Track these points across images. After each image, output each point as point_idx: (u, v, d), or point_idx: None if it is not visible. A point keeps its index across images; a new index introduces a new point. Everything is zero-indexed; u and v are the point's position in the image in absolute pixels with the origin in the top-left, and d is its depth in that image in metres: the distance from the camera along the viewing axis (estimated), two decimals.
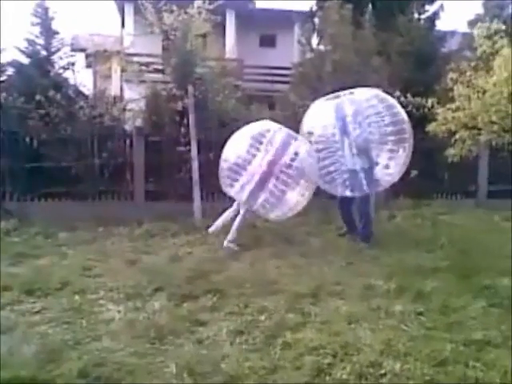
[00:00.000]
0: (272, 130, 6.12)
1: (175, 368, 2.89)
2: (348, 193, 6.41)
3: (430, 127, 8.37)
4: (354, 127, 6.21)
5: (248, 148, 6.05)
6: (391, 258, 5.46)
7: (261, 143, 6.03)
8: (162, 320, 3.63)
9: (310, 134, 6.51)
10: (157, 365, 2.98)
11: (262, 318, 3.68)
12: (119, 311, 3.86)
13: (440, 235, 6.49)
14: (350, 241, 6.38)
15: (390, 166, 6.31)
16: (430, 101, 8.58)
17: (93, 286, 4.46)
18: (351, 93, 6.41)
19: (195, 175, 7.79)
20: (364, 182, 6.24)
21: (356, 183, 6.29)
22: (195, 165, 7.79)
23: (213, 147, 8.14)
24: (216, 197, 8.02)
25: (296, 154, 6.01)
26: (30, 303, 4.03)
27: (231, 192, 6.18)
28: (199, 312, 3.81)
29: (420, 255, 5.60)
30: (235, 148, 6.16)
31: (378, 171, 6.35)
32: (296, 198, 6.06)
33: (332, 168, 6.48)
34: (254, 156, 6.01)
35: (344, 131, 6.27)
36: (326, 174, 6.48)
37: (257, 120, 9.04)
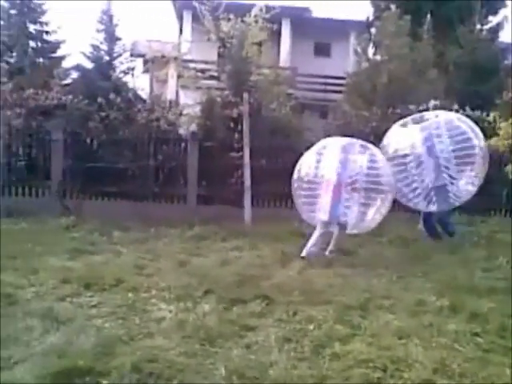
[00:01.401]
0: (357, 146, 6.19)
1: (224, 371, 2.94)
2: (432, 208, 6.85)
3: (491, 142, 8.09)
4: (440, 147, 6.68)
5: (318, 163, 6.18)
6: (444, 275, 5.28)
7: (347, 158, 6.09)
8: (211, 322, 3.69)
9: (396, 148, 6.95)
10: (206, 366, 3.03)
11: (311, 327, 3.67)
12: (170, 311, 3.94)
13: (497, 254, 6.22)
14: (400, 254, 6.24)
15: (467, 184, 6.88)
16: (491, 115, 8.31)
17: (145, 285, 4.58)
18: (436, 116, 7.03)
19: (247, 181, 7.88)
20: (441, 199, 6.73)
21: (441, 198, 6.74)
22: (247, 171, 7.88)
23: (265, 154, 8.21)
24: (266, 203, 8.08)
25: (372, 166, 6.06)
26: (87, 297, 4.20)
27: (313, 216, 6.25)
28: (248, 317, 3.85)
29: (475, 274, 5.38)
30: (307, 165, 6.28)
31: (458, 187, 6.81)
32: (374, 213, 6.06)
33: (417, 185, 6.86)
34: (325, 172, 6.10)
35: (431, 150, 6.72)
36: (412, 191, 6.86)
37: (308, 129, 9.10)
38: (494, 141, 8.06)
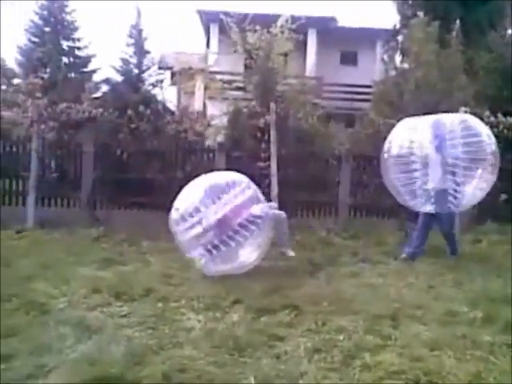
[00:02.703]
0: (242, 185, 5.58)
1: (254, 380, 2.93)
2: (433, 209, 6.47)
3: None
4: (449, 146, 6.33)
5: (210, 193, 5.38)
6: (475, 285, 5.17)
7: (227, 193, 5.40)
8: (240, 332, 3.69)
9: (402, 146, 6.61)
10: (236, 376, 3.03)
11: (341, 337, 3.63)
12: (199, 320, 3.97)
13: None
14: (432, 264, 6.13)
15: (476, 188, 6.42)
16: None
17: (174, 294, 4.62)
18: (447, 116, 6.65)
19: (274, 190, 7.89)
20: (449, 200, 6.34)
21: (442, 201, 6.36)
22: (274, 180, 7.89)
23: (292, 163, 8.19)
24: (293, 212, 8.06)
25: (257, 217, 5.41)
26: (117, 306, 4.26)
27: (174, 229, 5.45)
28: (276, 326, 3.84)
29: (508, 284, 5.24)
30: (198, 189, 5.51)
31: (463, 192, 6.39)
32: (248, 256, 5.50)
33: (419, 185, 6.54)
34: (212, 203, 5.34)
35: (439, 149, 6.36)
36: (413, 191, 6.55)
37: (335, 138, 9.04)
38: None
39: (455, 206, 6.42)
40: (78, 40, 15.82)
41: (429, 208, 6.50)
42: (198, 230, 5.26)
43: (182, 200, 5.51)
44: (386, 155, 6.72)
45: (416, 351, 3.39)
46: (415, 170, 6.54)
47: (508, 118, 8.54)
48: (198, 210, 5.29)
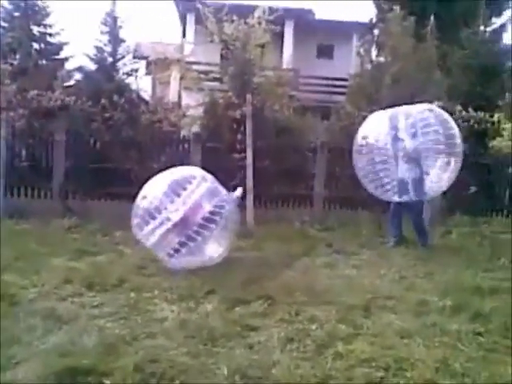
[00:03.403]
0: (198, 179, 5.43)
1: (227, 370, 2.93)
2: (397, 199, 6.68)
3: (495, 142, 8.08)
4: (407, 138, 6.47)
5: (168, 191, 5.25)
6: (446, 275, 5.29)
7: (184, 189, 5.27)
8: (213, 322, 3.69)
9: (365, 137, 6.76)
10: (209, 366, 3.02)
11: (313, 327, 3.67)
12: (173, 311, 3.95)
13: (499, 255, 6.22)
14: (403, 255, 6.24)
15: (439, 177, 6.59)
16: (496, 116, 8.28)
17: (148, 285, 4.59)
18: (416, 107, 6.68)
19: (249, 182, 7.87)
20: (413, 190, 6.52)
21: (405, 191, 6.56)
22: (250, 172, 7.87)
23: (267, 155, 8.20)
24: (268, 204, 8.08)
25: (218, 207, 5.36)
26: (89, 297, 4.21)
27: (139, 235, 5.33)
28: (249, 317, 3.84)
29: (477, 274, 5.38)
30: (155, 189, 5.38)
31: (427, 181, 6.61)
32: (216, 249, 5.50)
33: (383, 175, 6.73)
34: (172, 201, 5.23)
35: (396, 141, 6.55)
36: (377, 181, 6.73)
37: (310, 130, 9.08)
38: (497, 142, 8.04)
39: (419, 195, 6.57)
40: (50, 26, 15.40)
41: (395, 198, 6.68)
42: (162, 230, 5.14)
43: (140, 202, 5.30)
44: (355, 147, 6.85)
45: (387, 340, 3.46)
46: (380, 162, 6.71)
47: (478, 113, 8.72)
48: (158, 210, 5.16)
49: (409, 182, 6.52)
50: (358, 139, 6.83)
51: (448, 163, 6.46)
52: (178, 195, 5.19)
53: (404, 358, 3.14)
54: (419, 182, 6.52)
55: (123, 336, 3.38)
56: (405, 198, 6.59)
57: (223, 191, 5.57)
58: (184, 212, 5.14)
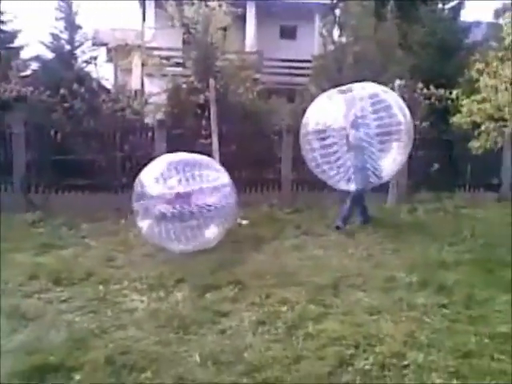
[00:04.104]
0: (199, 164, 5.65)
1: (199, 357, 2.94)
2: (352, 187, 6.51)
3: (455, 119, 8.24)
4: (361, 123, 6.29)
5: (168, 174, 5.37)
6: (412, 251, 5.42)
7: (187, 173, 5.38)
8: (184, 310, 3.68)
9: (308, 121, 6.59)
10: (181, 354, 3.02)
11: (284, 309, 3.70)
12: (142, 301, 3.93)
13: (462, 229, 6.40)
14: (371, 234, 6.34)
15: (393, 161, 6.44)
16: (454, 92, 8.44)
17: (116, 277, 4.53)
18: (363, 88, 6.45)
19: None
20: (357, 178, 6.41)
21: (362, 178, 6.40)
22: (216, 157, 7.80)
23: (233, 140, 8.15)
24: (236, 189, 8.03)
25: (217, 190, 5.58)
26: (57, 292, 4.14)
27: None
28: (220, 302, 3.86)
29: (442, 248, 5.53)
30: (153, 172, 5.50)
31: (373, 167, 6.40)
32: (213, 232, 5.58)
33: (338, 161, 6.49)
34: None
35: (354, 125, 6.33)
36: (333, 168, 6.52)
37: (276, 113, 9.03)
38: (457, 118, 8.20)
39: (374, 181, 6.46)
40: (1, 13, 14.74)
41: (348, 186, 6.52)
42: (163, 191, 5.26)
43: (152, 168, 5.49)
44: (302, 130, 6.65)
45: (356, 317, 3.53)
46: (330, 146, 6.47)
47: (439, 90, 8.87)
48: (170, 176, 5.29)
49: (359, 168, 6.37)
50: (304, 122, 6.64)
51: (401, 145, 6.33)
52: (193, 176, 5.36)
53: (373, 334, 3.22)
54: (369, 169, 6.38)
55: (92, 329, 3.35)
56: (359, 186, 6.46)
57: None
58: (189, 190, 5.27)
